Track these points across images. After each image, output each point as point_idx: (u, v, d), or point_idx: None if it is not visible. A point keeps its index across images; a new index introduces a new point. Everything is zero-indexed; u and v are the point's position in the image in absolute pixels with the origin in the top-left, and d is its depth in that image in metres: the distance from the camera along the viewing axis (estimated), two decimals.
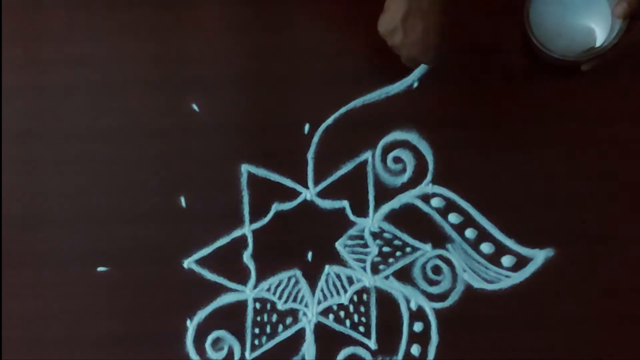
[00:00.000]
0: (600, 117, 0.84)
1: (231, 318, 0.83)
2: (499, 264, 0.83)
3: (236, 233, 0.84)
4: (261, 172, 0.84)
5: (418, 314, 0.82)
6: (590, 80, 0.83)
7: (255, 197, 0.84)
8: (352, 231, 0.84)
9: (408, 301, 0.83)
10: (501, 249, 0.83)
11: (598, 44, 0.80)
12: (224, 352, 0.83)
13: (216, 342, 0.83)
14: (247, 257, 0.83)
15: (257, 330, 0.83)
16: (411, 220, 0.83)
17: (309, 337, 0.83)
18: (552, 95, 0.84)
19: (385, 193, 0.84)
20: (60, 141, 0.85)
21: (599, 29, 0.81)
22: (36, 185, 0.84)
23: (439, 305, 0.82)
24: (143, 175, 0.85)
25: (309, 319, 0.83)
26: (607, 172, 0.83)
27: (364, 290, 0.83)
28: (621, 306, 0.82)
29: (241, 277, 0.83)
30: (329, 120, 0.84)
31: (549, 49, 0.79)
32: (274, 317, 0.83)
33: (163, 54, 0.85)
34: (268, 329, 0.83)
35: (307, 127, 0.84)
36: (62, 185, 0.84)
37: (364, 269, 0.83)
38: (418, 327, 0.82)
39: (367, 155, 0.84)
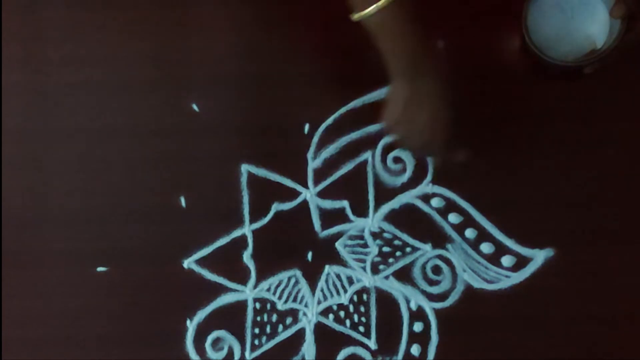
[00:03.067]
0: (600, 118, 0.84)
1: (231, 318, 0.83)
2: (499, 264, 0.82)
3: (236, 233, 0.84)
4: (261, 172, 0.84)
5: (418, 314, 0.82)
6: (590, 81, 0.83)
7: (255, 197, 0.84)
8: (352, 231, 0.84)
9: (408, 301, 0.83)
10: (501, 249, 0.83)
11: (598, 46, 0.80)
12: (224, 352, 0.83)
13: (216, 342, 0.83)
14: (247, 257, 0.83)
15: (257, 330, 0.83)
16: (411, 220, 0.83)
17: (309, 337, 0.83)
18: (552, 95, 0.84)
19: (385, 193, 0.84)
20: (61, 140, 0.85)
21: (598, 32, 0.80)
22: (36, 184, 0.84)
23: (439, 305, 0.82)
24: (143, 175, 0.85)
25: (309, 319, 0.83)
26: (607, 172, 0.83)
27: (364, 290, 0.83)
28: (621, 306, 0.82)
29: (241, 277, 0.83)
30: (329, 120, 0.84)
31: (549, 56, 0.77)
32: (274, 317, 0.83)
33: (163, 54, 0.85)
34: (268, 329, 0.83)
35: (307, 127, 0.84)
36: (62, 185, 0.84)
37: (364, 269, 0.83)
38: (418, 327, 0.82)
39: (367, 155, 0.84)
